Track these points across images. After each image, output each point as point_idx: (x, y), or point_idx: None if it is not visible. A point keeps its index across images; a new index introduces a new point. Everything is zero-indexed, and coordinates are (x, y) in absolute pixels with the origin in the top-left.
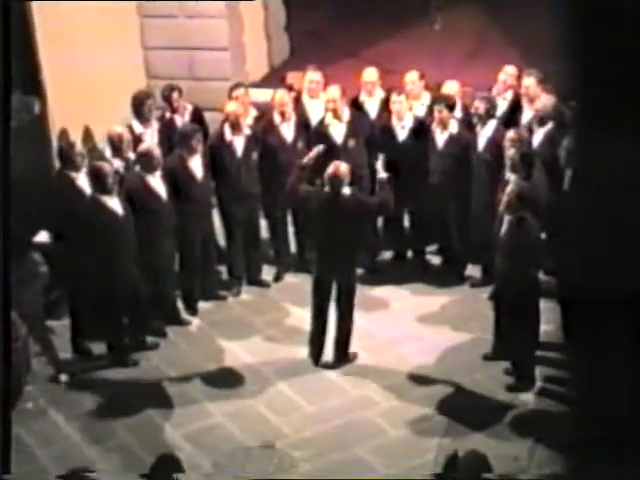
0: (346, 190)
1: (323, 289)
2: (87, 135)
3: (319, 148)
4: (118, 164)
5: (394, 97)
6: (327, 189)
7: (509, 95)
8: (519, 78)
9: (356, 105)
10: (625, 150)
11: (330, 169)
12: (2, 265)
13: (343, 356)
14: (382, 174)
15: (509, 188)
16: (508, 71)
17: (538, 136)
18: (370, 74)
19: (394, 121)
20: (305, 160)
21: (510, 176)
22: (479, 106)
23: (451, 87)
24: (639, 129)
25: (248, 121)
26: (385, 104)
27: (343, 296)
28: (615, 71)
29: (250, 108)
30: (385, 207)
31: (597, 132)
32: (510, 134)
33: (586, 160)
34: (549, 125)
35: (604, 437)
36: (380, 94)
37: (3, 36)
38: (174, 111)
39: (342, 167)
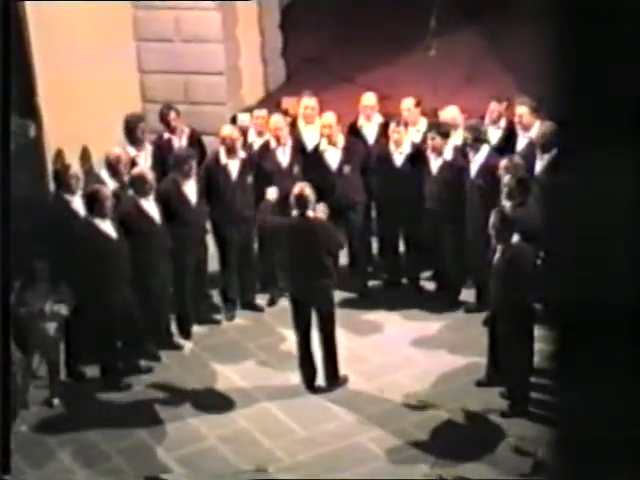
0: (311, 213)
1: (302, 315)
2: (85, 155)
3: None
4: (115, 186)
5: (393, 127)
6: (294, 212)
7: (502, 124)
8: (509, 107)
9: (354, 130)
10: (607, 168)
11: (295, 190)
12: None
13: (333, 378)
14: (320, 212)
15: (490, 221)
16: (496, 104)
17: (542, 162)
18: (369, 98)
19: (392, 147)
20: None
21: (506, 203)
22: (467, 136)
23: (450, 112)
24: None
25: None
26: (383, 129)
27: (322, 319)
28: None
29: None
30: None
31: (581, 152)
32: (504, 162)
33: (569, 178)
34: (553, 152)
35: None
36: (378, 119)
37: (3, 59)
38: (171, 132)
39: (307, 189)
